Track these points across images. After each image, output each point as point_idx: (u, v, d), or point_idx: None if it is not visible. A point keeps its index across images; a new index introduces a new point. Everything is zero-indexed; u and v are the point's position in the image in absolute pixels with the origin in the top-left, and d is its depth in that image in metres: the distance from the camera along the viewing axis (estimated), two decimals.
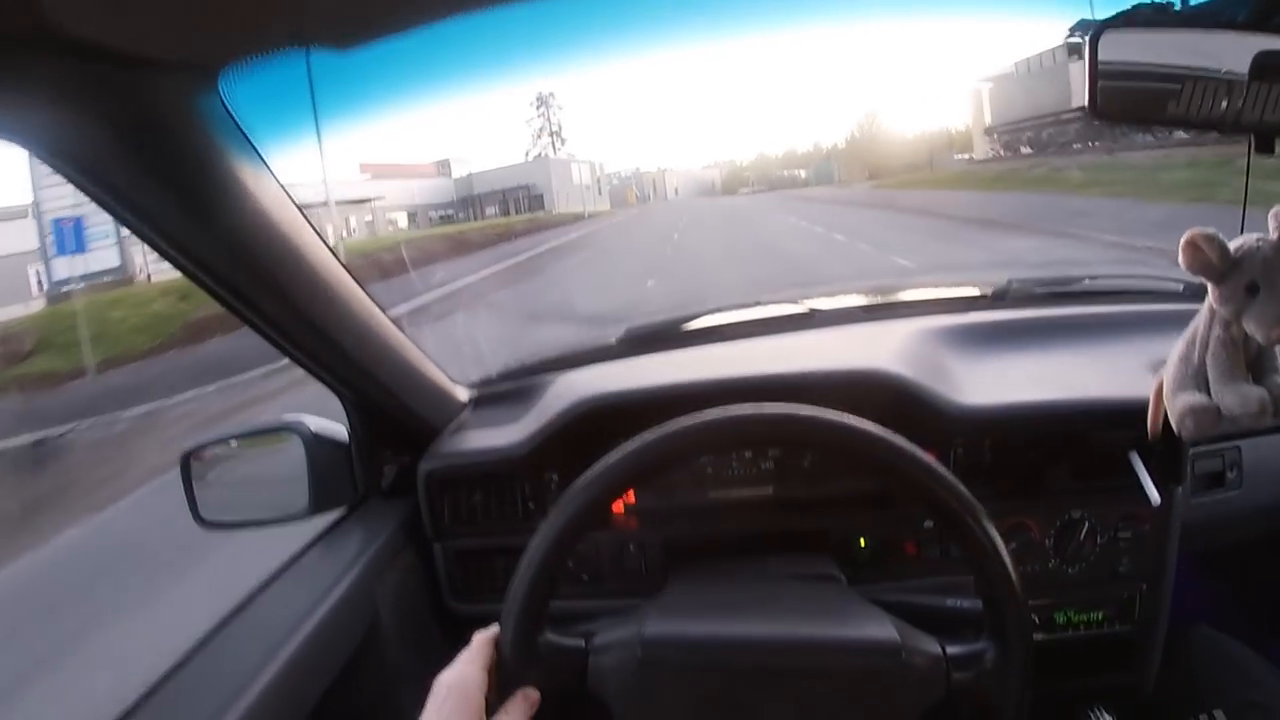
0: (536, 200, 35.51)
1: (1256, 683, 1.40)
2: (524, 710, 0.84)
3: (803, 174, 46.76)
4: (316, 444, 1.37)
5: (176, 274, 0.97)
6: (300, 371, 1.26)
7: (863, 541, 1.34)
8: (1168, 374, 1.06)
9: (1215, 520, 1.45)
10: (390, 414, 1.43)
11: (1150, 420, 1.18)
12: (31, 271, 16.65)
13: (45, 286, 16.63)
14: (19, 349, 11.47)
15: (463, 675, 0.83)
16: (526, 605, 0.86)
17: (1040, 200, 18.15)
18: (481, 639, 0.88)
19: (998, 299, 1.73)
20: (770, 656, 0.90)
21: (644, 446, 0.88)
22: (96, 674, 3.03)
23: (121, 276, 16.10)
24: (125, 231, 0.88)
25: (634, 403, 1.38)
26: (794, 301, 1.76)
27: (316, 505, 1.37)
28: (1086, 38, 0.85)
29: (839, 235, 17.05)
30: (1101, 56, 0.85)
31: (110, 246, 14.85)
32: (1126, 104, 0.87)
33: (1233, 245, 0.94)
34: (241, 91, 0.84)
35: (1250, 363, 0.99)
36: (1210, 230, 0.93)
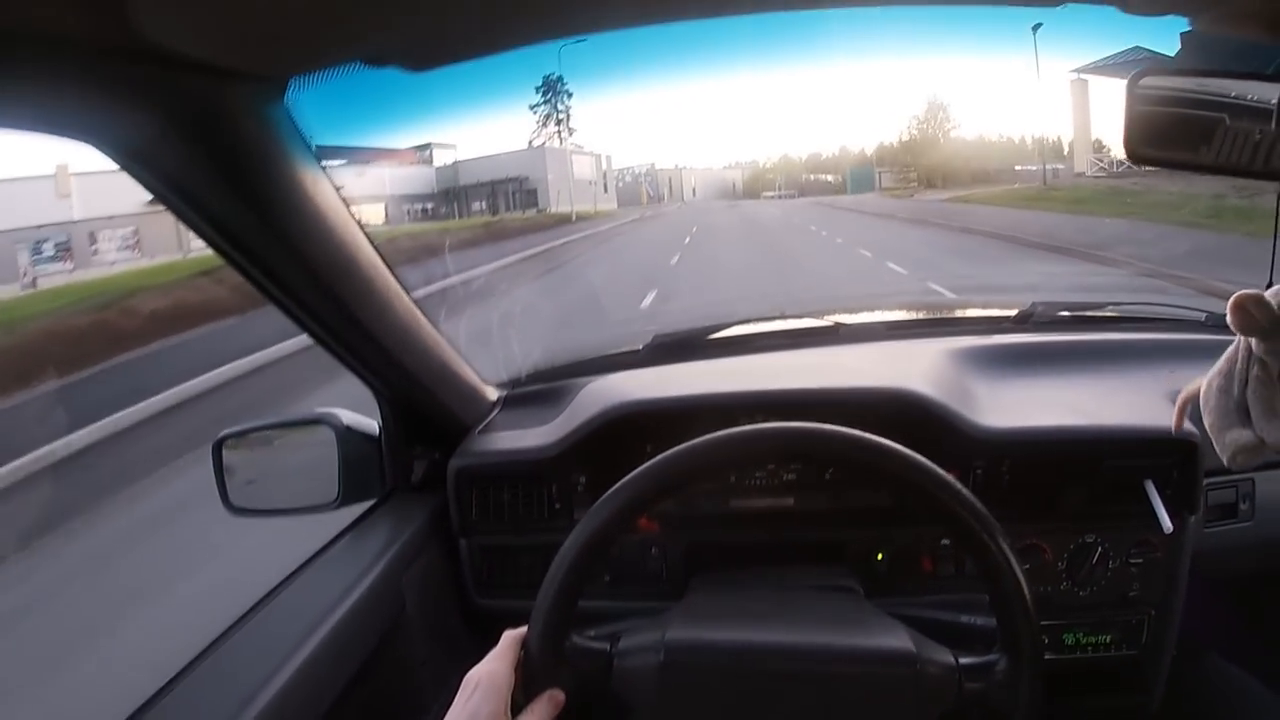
0: (530, 196, 29.94)
1: (1265, 714, 1.42)
2: (549, 711, 0.87)
3: (831, 179, 39.57)
4: (348, 436, 1.40)
5: None
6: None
7: (880, 555, 1.36)
8: (1209, 405, 1.07)
9: (1227, 551, 1.46)
10: (423, 410, 1.46)
11: (1174, 424, 1.21)
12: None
13: None
14: None
15: (492, 672, 0.86)
16: (555, 607, 0.89)
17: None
18: (511, 637, 0.90)
19: (1022, 321, 1.74)
20: (789, 662, 0.93)
21: (677, 457, 0.91)
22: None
23: None
24: None
25: (663, 411, 1.41)
26: (819, 316, 1.78)
27: (346, 497, 1.40)
28: (1125, 81, 0.88)
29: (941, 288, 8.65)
30: (1139, 99, 0.87)
31: None
32: (1161, 148, 0.89)
33: (1276, 299, 0.97)
34: (304, 98, 0.88)
35: None
36: (1256, 293, 0.95)
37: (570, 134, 32.45)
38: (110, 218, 17.98)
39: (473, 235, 20.43)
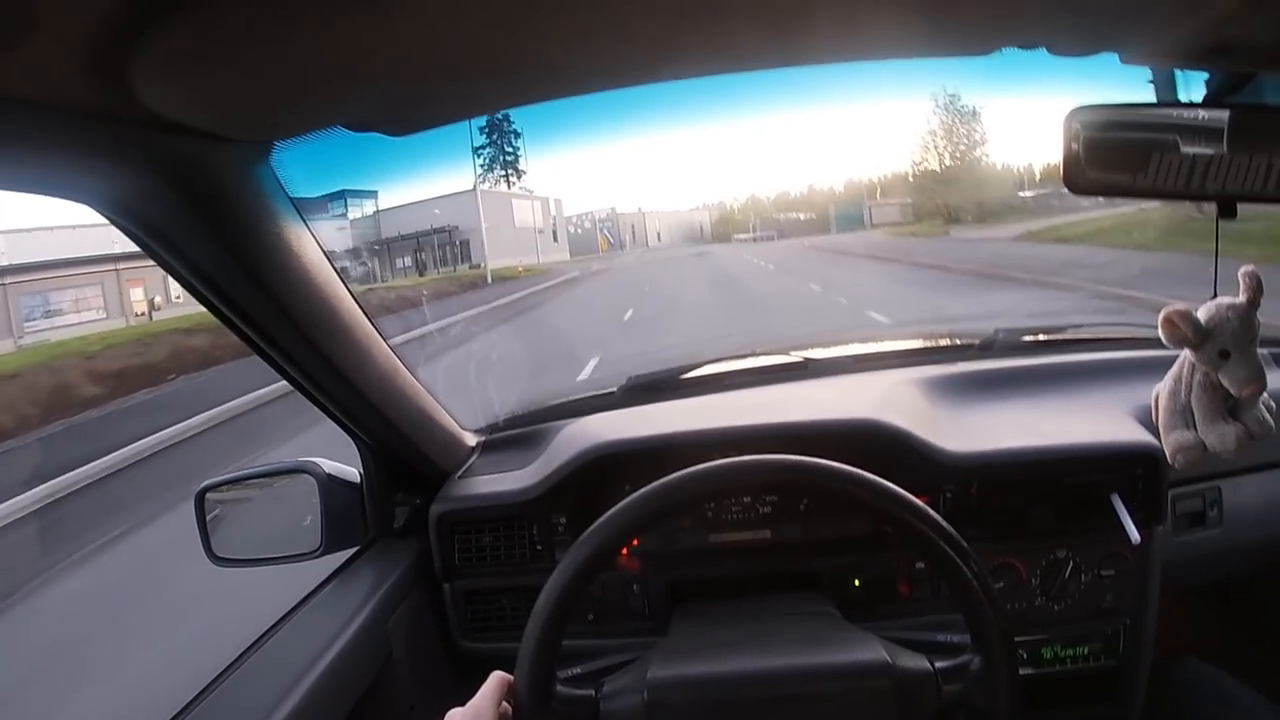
0: (462, 249, 25.09)
1: (1244, 712, 1.45)
2: None
3: (803, 216, 35.76)
4: (330, 485, 1.42)
5: None
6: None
7: (857, 582, 1.39)
8: (1160, 407, 1.18)
9: (1197, 558, 1.51)
10: (403, 457, 1.48)
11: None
12: None
13: None
14: None
15: (477, 711, 0.88)
16: (539, 653, 0.91)
17: None
18: (497, 678, 0.92)
19: (985, 349, 1.79)
20: (769, 687, 0.96)
21: (649, 494, 0.94)
22: None
23: None
24: None
25: (639, 450, 1.43)
26: (787, 352, 1.82)
27: (329, 545, 1.41)
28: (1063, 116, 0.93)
29: None
30: (1073, 132, 0.93)
31: None
32: (1099, 178, 0.94)
33: (1205, 315, 1.04)
34: (288, 158, 0.92)
35: (1229, 397, 1.11)
36: (1183, 307, 1.03)
37: (519, 177, 27.91)
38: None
39: None
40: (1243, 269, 1.04)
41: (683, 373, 1.81)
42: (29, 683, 3.78)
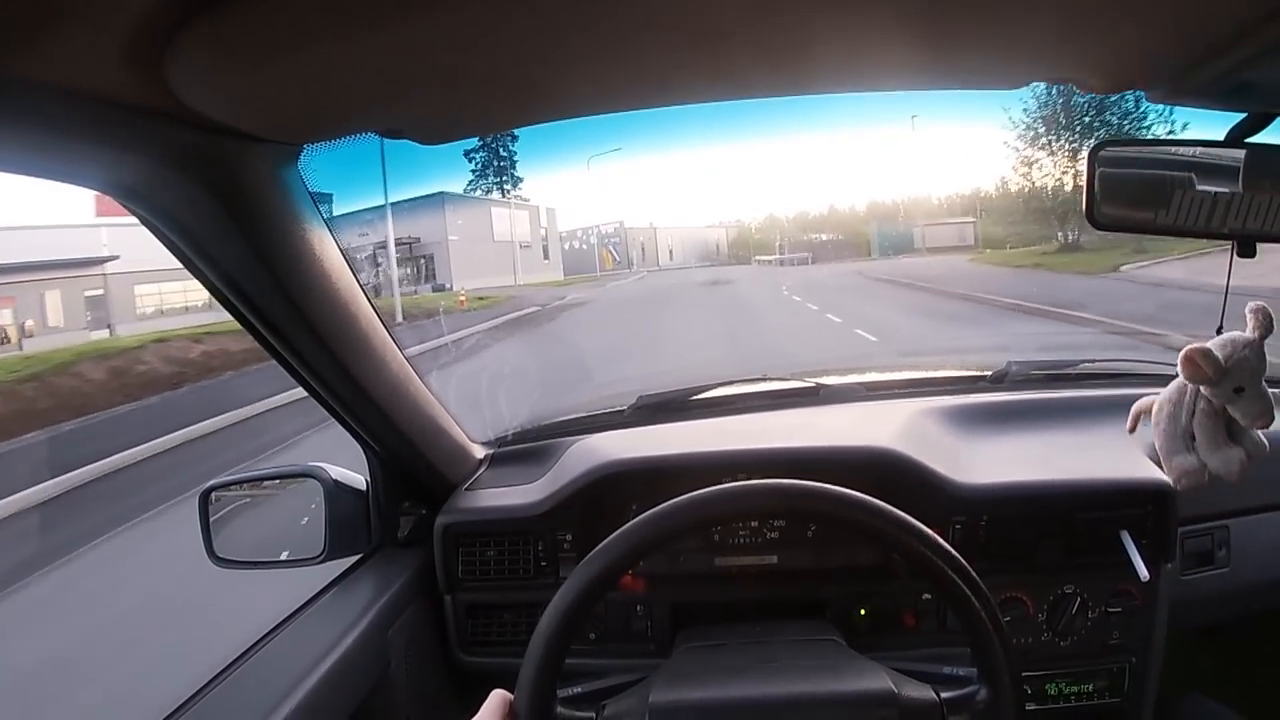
0: (425, 265, 20.86)
1: None
2: None
3: (826, 238, 29.90)
4: (336, 491, 1.42)
5: None
6: None
7: (862, 611, 1.38)
8: (1159, 428, 1.20)
9: (1206, 597, 1.49)
10: (411, 467, 1.48)
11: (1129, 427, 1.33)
12: None
13: None
14: None
15: None
16: (541, 673, 0.90)
17: None
18: (498, 698, 0.91)
19: (997, 381, 1.79)
20: (770, 715, 0.96)
21: (657, 517, 0.93)
22: None
23: None
24: None
25: (648, 470, 1.43)
26: (800, 378, 1.82)
27: (332, 551, 1.41)
28: (1086, 154, 0.93)
29: None
30: (1100, 166, 0.93)
31: None
32: (1120, 213, 0.95)
33: (1222, 352, 1.05)
34: (314, 162, 0.93)
35: (1230, 423, 1.15)
36: (1204, 346, 1.04)
37: (515, 186, 23.13)
38: None
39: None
40: (1251, 305, 1.05)
41: (693, 394, 1.81)
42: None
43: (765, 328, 12.13)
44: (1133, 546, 1.32)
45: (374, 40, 0.62)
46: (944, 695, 0.94)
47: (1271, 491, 1.28)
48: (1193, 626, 1.65)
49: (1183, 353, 1.07)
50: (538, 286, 21.47)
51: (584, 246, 28.05)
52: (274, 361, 1.15)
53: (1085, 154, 0.94)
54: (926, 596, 1.36)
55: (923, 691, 0.95)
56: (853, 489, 0.93)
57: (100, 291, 16.83)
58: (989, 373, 1.81)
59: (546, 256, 26.21)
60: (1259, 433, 1.17)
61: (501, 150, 21.99)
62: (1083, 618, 1.36)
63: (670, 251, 30.59)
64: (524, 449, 1.72)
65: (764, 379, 1.88)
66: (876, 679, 0.98)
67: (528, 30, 0.64)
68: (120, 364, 11.35)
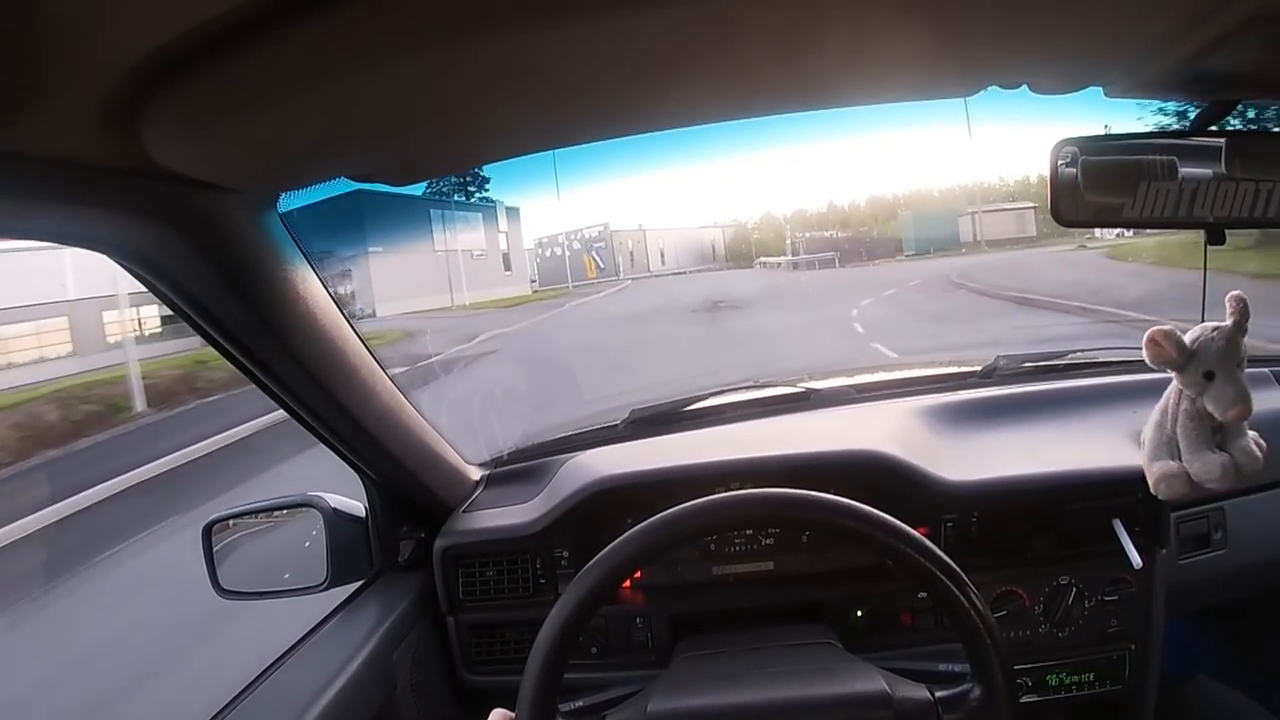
0: (345, 285, 16.25)
1: None
2: None
3: (831, 233, 25.33)
4: (336, 519, 1.43)
5: None
6: None
7: (859, 612, 1.39)
8: (1146, 440, 1.19)
9: (1203, 580, 1.51)
10: (408, 492, 1.49)
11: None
12: None
13: None
14: None
15: None
16: (540, 689, 0.91)
17: None
18: (498, 717, 0.93)
19: (985, 376, 1.80)
20: None
21: (649, 529, 0.95)
22: None
23: None
24: None
25: (641, 484, 1.45)
26: (791, 384, 1.83)
27: (335, 578, 1.42)
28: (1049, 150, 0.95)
29: None
30: (1059, 165, 0.94)
31: None
32: (1086, 209, 0.95)
33: (1190, 336, 1.05)
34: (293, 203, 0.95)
35: (1217, 428, 1.12)
36: (1168, 327, 1.04)
37: (480, 188, 19.96)
38: None
39: None
40: (1230, 293, 1.06)
41: (685, 405, 1.82)
42: None
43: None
44: (1125, 534, 1.34)
45: (339, 92, 0.64)
46: (938, 694, 0.95)
47: (1267, 470, 1.29)
48: (1193, 609, 1.66)
49: (1146, 334, 1.07)
50: (472, 310, 17.96)
51: (566, 252, 25.19)
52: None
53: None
54: (922, 595, 1.37)
55: (917, 691, 0.97)
56: (843, 493, 0.94)
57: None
58: (978, 368, 1.83)
59: (508, 267, 22.29)
60: (1253, 445, 1.16)
61: None
62: (1079, 608, 1.38)
63: (662, 255, 27.27)
64: (519, 468, 1.73)
65: (755, 385, 1.89)
66: (871, 681, 0.99)
67: (492, 74, 0.65)
68: None
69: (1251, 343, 1.14)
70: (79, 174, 0.69)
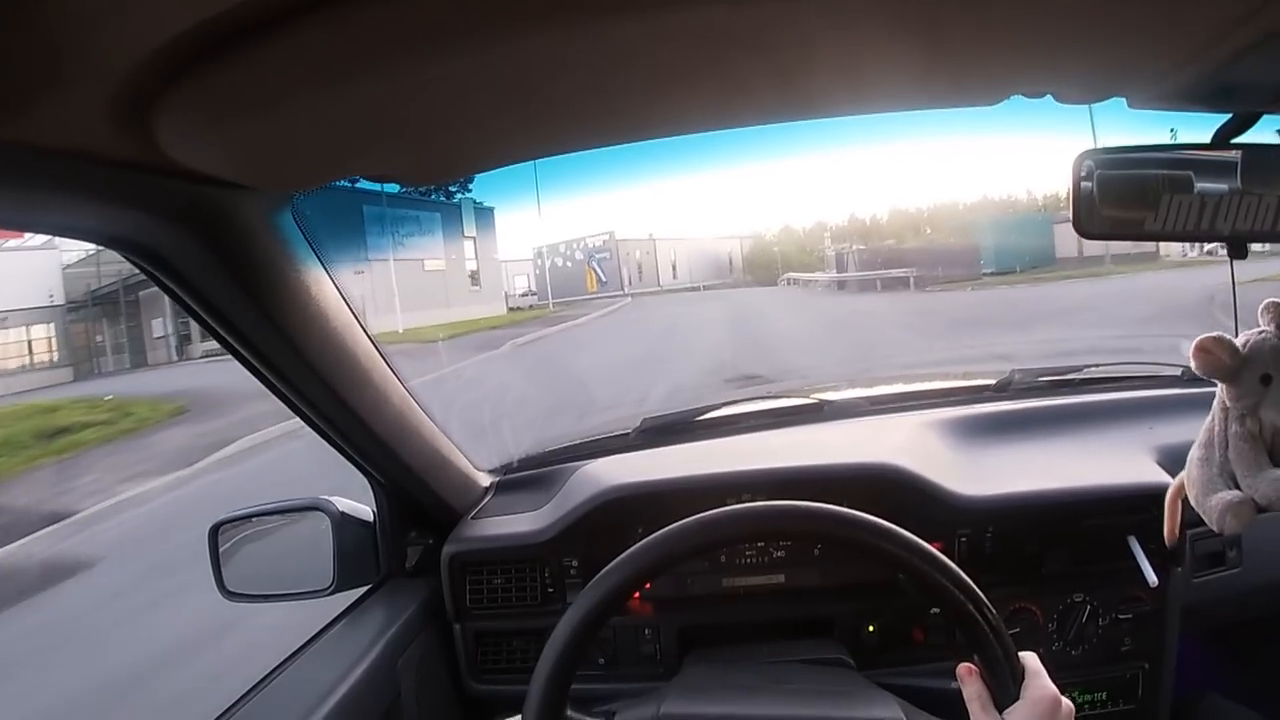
0: None
1: None
2: None
3: (880, 240, 22.55)
4: (344, 523, 1.42)
5: None
6: None
7: (871, 628, 1.38)
8: (1191, 479, 1.09)
9: (1218, 599, 1.48)
10: (417, 498, 1.48)
11: (1167, 530, 1.21)
12: None
13: None
14: None
15: None
16: (547, 699, 0.90)
17: None
18: None
19: (1000, 390, 1.79)
20: None
21: (660, 541, 0.93)
22: None
23: None
24: None
25: (652, 494, 1.44)
26: (804, 395, 1.82)
27: (341, 583, 1.41)
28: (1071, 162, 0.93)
29: None
30: (1082, 175, 0.92)
31: None
32: (1110, 221, 0.94)
33: (1239, 341, 1.00)
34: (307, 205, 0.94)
35: (1272, 451, 1.02)
36: (1217, 333, 0.99)
37: (463, 188, 16.81)
38: None
39: None
40: (1265, 302, 1.02)
41: (698, 415, 1.81)
42: None
43: None
44: (1141, 552, 1.32)
45: (352, 92, 0.63)
46: None
47: None
48: (1207, 629, 1.64)
49: (1195, 342, 1.00)
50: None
51: (567, 264, 22.08)
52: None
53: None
54: (935, 611, 1.36)
55: None
56: (855, 506, 0.93)
57: None
58: (993, 382, 1.81)
59: (476, 283, 18.69)
60: None
61: None
62: (1093, 626, 1.36)
63: (674, 267, 24.39)
64: (529, 475, 1.73)
65: (768, 397, 1.89)
66: (887, 708, 0.98)
67: (505, 78, 0.65)
68: None
69: None
70: (90, 168, 0.69)
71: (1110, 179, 0.92)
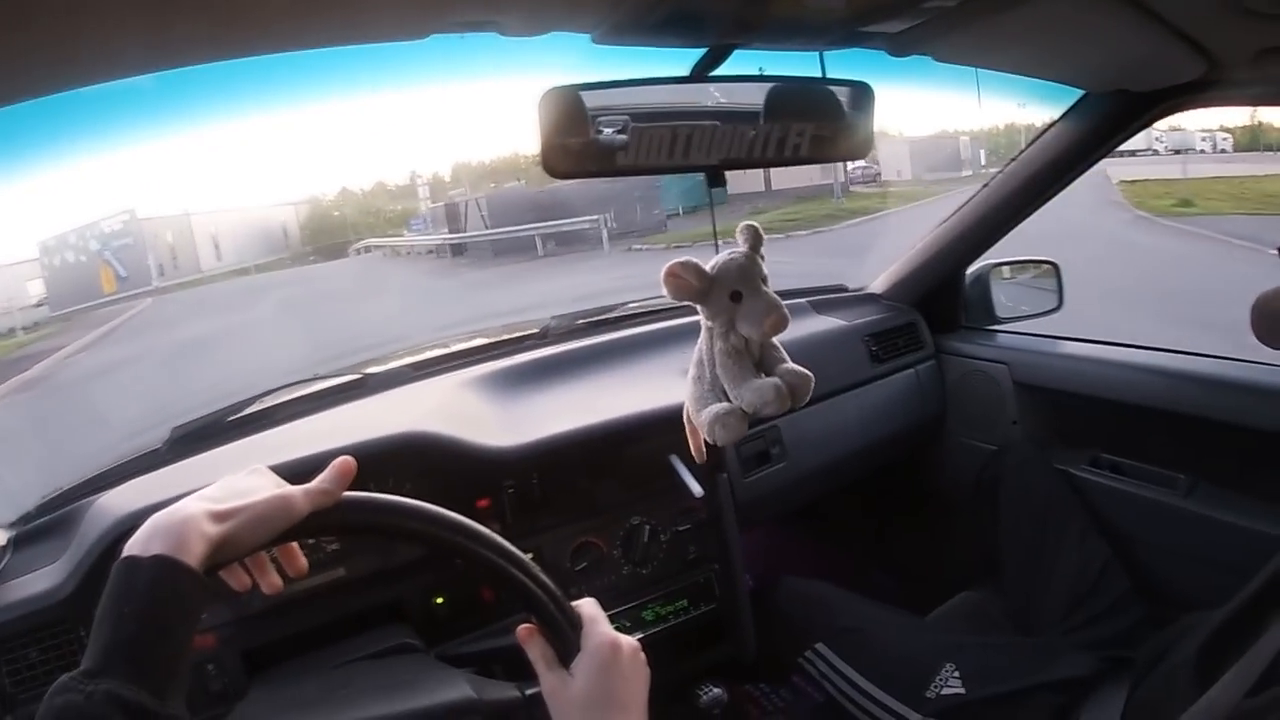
0: None
1: (844, 611, 1.63)
2: None
3: (512, 181, 21.65)
4: None
5: None
6: None
7: (439, 599, 1.35)
8: (687, 398, 1.15)
9: (770, 492, 1.66)
10: None
11: (693, 445, 1.25)
12: None
13: None
14: None
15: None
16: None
17: None
18: None
19: (541, 338, 1.83)
20: None
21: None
22: None
23: None
24: None
25: None
26: (346, 372, 1.72)
27: None
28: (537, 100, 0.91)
29: None
30: (544, 116, 0.90)
31: None
32: (576, 160, 0.93)
33: (708, 266, 1.07)
34: None
35: (758, 363, 1.11)
36: (684, 258, 1.05)
37: None
38: None
39: None
40: (741, 225, 1.09)
41: (232, 413, 1.63)
42: None
43: None
44: (683, 468, 1.42)
45: None
46: (528, 692, 0.92)
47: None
48: (767, 519, 1.83)
49: (663, 270, 1.04)
50: None
51: (81, 258, 17.64)
52: None
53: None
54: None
55: (505, 691, 0.94)
56: (393, 480, 0.86)
57: None
58: (534, 331, 1.85)
59: None
60: (794, 365, 1.12)
61: None
62: (656, 544, 1.45)
63: (216, 247, 20.68)
64: (48, 522, 1.46)
65: (311, 379, 1.75)
66: (457, 688, 0.95)
67: None
68: None
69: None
70: None
71: (576, 116, 0.91)
